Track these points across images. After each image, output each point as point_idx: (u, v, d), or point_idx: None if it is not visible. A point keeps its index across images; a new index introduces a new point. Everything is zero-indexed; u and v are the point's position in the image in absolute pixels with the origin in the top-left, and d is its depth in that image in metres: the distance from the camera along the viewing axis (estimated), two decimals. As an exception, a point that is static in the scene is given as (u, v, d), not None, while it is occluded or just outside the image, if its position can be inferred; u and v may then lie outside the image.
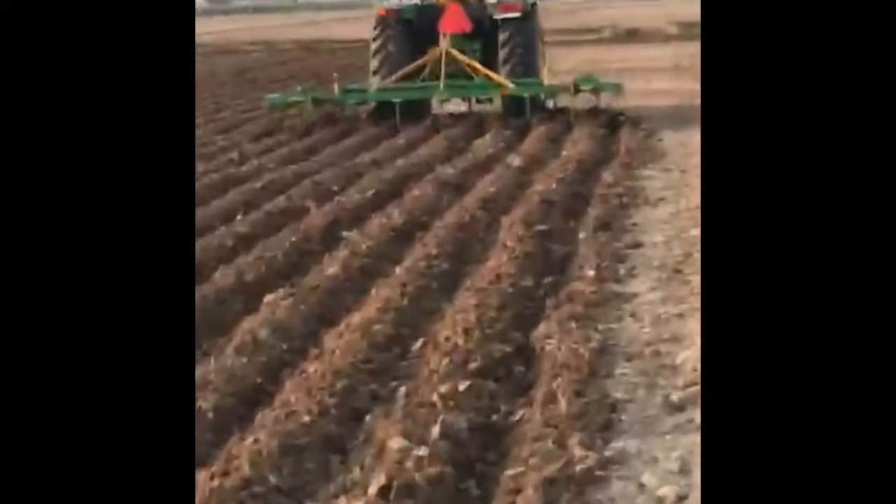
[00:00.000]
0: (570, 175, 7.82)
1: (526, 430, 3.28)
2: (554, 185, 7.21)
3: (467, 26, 10.64)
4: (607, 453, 3.10)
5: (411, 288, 4.84)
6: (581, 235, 5.91)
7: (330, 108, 11.16)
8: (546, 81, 10.64)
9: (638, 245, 5.81)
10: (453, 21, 10.55)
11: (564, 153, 8.81)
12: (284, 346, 4.17)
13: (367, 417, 3.48)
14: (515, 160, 8.47)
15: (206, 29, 33.07)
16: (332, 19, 48.34)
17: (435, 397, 3.43)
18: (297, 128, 10.70)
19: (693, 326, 4.07)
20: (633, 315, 4.71)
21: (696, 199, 6.12)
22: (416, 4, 11.42)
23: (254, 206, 6.50)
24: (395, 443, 3.00)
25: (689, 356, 3.85)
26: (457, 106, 11.58)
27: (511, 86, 10.43)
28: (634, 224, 6.50)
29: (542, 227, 6.07)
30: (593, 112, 10.63)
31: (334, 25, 40.04)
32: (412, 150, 9.28)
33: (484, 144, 9.42)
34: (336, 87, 10.83)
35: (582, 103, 10.79)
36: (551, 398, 3.45)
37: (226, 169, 8.39)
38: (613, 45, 19.76)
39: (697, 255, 5.17)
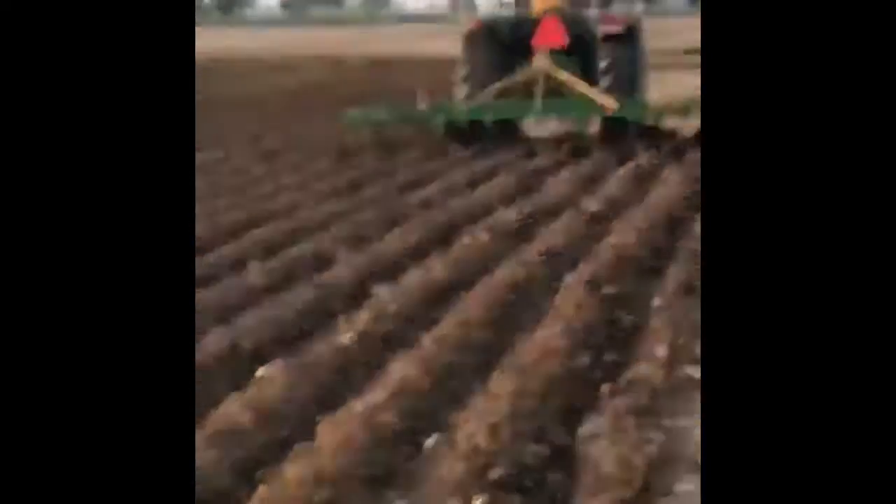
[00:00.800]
0: (657, 222, 6.82)
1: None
2: (633, 239, 6.23)
3: (564, 41, 9.80)
4: None
5: (437, 365, 4.05)
6: (656, 302, 4.96)
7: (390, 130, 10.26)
8: (650, 104, 9.71)
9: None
10: (550, 35, 9.72)
11: (655, 193, 7.74)
12: (267, 438, 3.45)
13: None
14: (592, 205, 7.40)
15: (267, 42, 31.67)
16: (410, 33, 47.38)
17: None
18: (368, 147, 9.90)
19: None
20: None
21: None
22: (509, 17, 10.65)
23: (274, 251, 5.74)
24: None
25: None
26: (544, 128, 10.39)
27: (615, 105, 9.39)
28: None
29: (610, 290, 5.17)
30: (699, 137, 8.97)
31: (412, 40, 38.82)
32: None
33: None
34: (421, 103, 9.88)
35: (690, 129, 9.51)
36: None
37: (253, 204, 7.62)
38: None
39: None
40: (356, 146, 10.04)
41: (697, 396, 3.82)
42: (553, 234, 6.43)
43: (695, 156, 8.44)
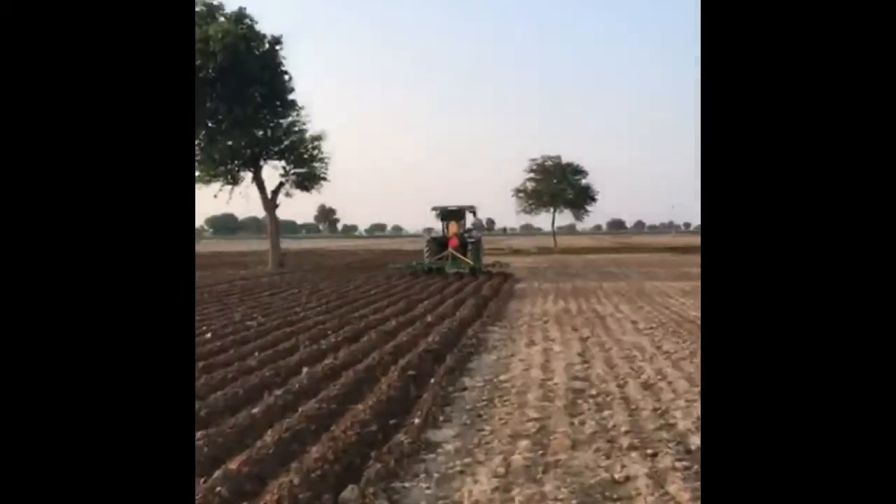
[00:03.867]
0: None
1: None
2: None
3: (458, 244, 27.76)
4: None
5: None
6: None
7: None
8: (485, 263, 27.78)
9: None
10: (453, 242, 27.79)
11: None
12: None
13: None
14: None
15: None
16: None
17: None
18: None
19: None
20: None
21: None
22: (440, 235, 28.96)
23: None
24: None
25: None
26: (452, 271, 26.57)
27: (471, 263, 26.74)
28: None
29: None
30: (500, 273, 26.70)
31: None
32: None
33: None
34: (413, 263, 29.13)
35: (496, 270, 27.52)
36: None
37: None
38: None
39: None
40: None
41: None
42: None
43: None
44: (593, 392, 7.84)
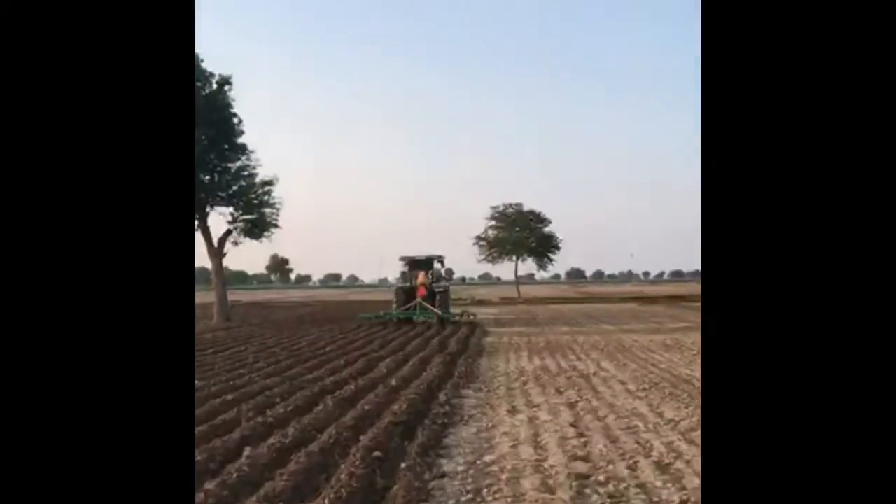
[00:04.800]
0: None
1: None
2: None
3: (426, 293, 28.08)
4: None
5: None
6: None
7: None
8: (453, 313, 28.76)
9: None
10: (421, 291, 28.12)
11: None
12: None
13: None
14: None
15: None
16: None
17: None
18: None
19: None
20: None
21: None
22: (407, 285, 29.29)
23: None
24: None
25: None
26: (420, 320, 27.76)
27: (440, 313, 27.35)
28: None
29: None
30: (468, 323, 27.26)
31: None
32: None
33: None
34: (383, 312, 30.03)
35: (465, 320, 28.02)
36: None
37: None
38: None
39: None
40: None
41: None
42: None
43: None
44: (601, 478, 6.49)
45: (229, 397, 10.58)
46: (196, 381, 12.23)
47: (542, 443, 7.89)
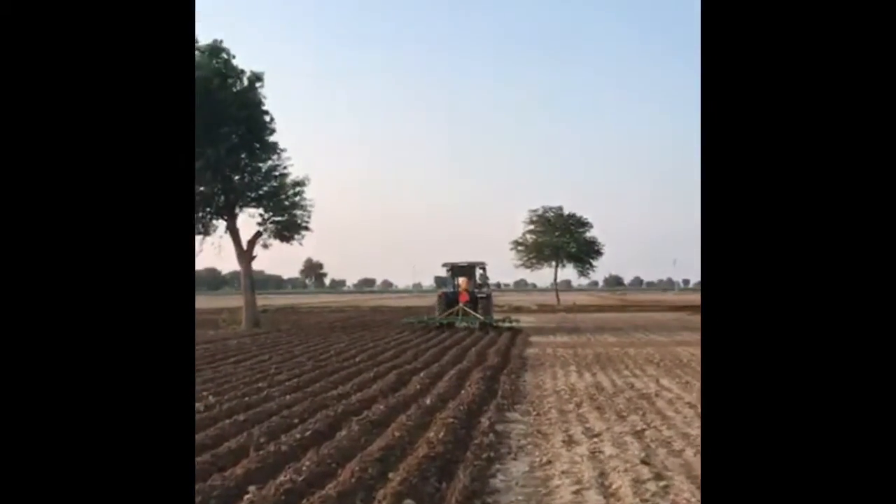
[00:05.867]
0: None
1: None
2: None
3: (468, 299, 28.62)
4: None
5: None
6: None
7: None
8: (495, 319, 28.59)
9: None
10: (464, 297, 28.69)
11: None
12: None
13: None
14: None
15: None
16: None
17: None
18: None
19: None
20: None
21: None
22: (451, 291, 29.56)
23: None
24: None
25: None
26: (463, 326, 27.70)
27: (482, 318, 27.71)
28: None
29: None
30: (511, 329, 26.88)
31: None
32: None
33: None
34: (427, 317, 30.02)
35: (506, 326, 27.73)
36: None
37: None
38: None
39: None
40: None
41: None
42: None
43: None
44: (697, 542, 5.05)
45: (241, 417, 9.28)
46: (209, 398, 10.98)
47: (612, 487, 6.45)
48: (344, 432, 8.42)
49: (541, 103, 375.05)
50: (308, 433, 8.35)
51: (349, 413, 9.70)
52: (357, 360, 16.80)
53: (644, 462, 7.26)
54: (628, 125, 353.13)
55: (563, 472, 6.94)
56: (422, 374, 13.65)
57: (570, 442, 8.30)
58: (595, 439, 8.43)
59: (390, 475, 6.54)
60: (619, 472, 6.88)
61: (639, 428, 9.02)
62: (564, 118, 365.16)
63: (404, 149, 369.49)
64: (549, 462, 7.37)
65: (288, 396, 11.06)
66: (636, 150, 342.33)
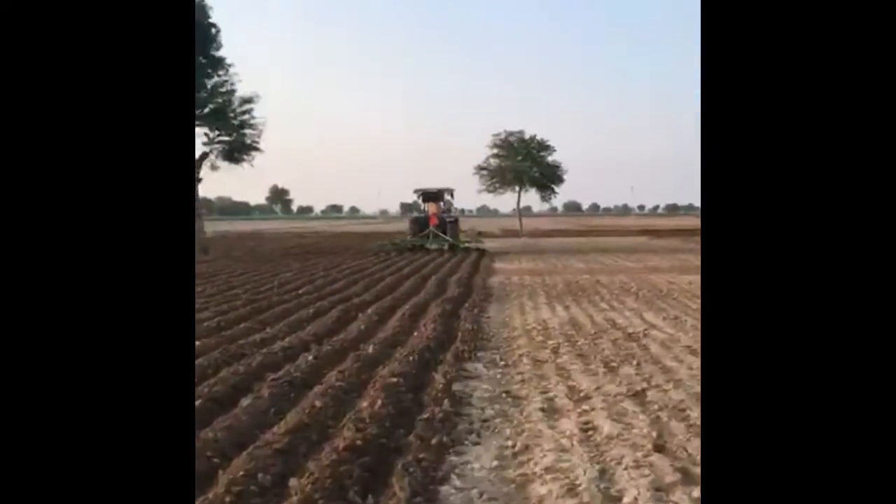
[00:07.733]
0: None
1: None
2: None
3: (437, 223, 29.61)
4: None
5: None
6: None
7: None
8: (461, 241, 29.58)
9: None
10: (433, 221, 29.78)
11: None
12: None
13: None
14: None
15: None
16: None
17: None
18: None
19: None
20: None
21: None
22: (421, 215, 31.25)
23: None
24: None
25: None
26: (433, 247, 28.32)
27: (451, 240, 28.55)
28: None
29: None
30: (478, 250, 28.39)
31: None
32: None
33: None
34: (398, 240, 30.91)
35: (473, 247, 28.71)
36: None
37: None
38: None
39: None
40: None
41: None
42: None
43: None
44: None
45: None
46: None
47: (623, 498, 4.14)
48: (248, 401, 6.01)
49: (504, 27, 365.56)
50: (199, 401, 5.92)
51: (266, 367, 7.28)
52: (301, 291, 14.33)
53: (658, 448, 4.96)
54: (593, 48, 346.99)
55: (546, 470, 4.59)
56: (370, 311, 11.25)
57: (551, 411, 5.95)
58: (584, 404, 6.10)
59: (290, 483, 4.17)
60: (629, 470, 4.56)
61: (638, 387, 6.70)
62: (526, 43, 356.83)
63: (368, 70, 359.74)
64: (526, 448, 5.03)
65: (198, 342, 8.57)
66: (594, 75, 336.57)
